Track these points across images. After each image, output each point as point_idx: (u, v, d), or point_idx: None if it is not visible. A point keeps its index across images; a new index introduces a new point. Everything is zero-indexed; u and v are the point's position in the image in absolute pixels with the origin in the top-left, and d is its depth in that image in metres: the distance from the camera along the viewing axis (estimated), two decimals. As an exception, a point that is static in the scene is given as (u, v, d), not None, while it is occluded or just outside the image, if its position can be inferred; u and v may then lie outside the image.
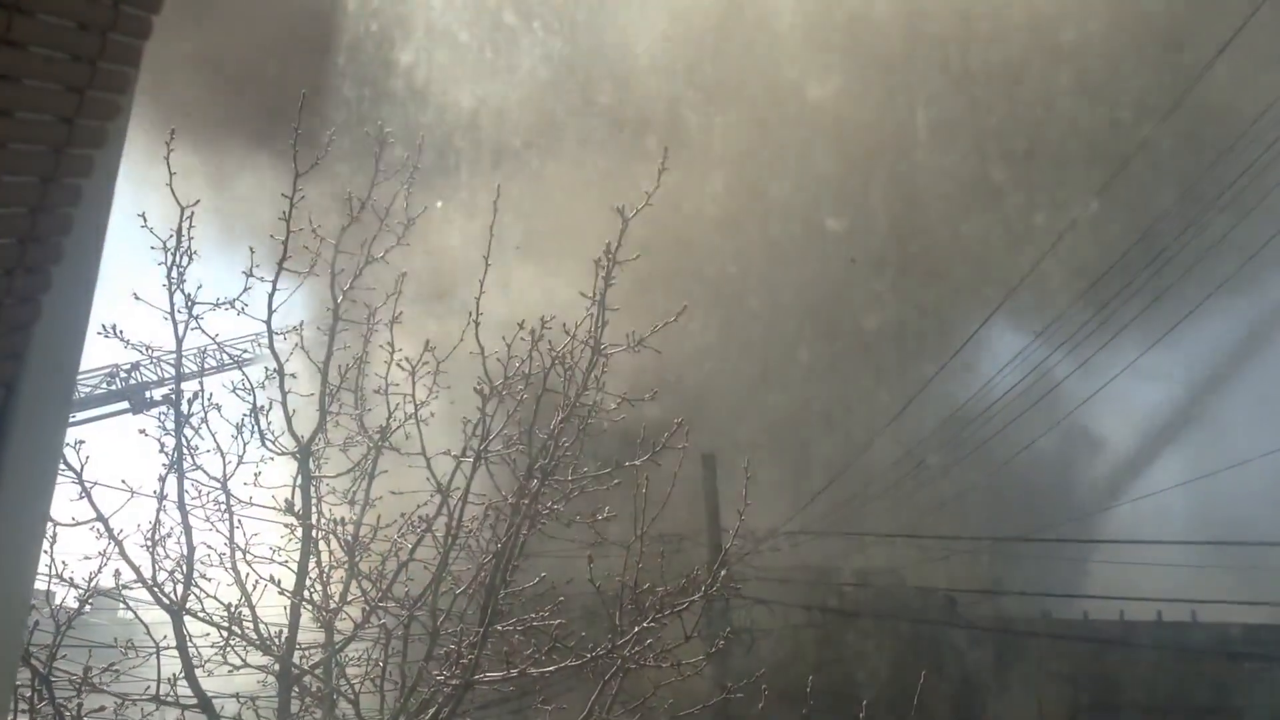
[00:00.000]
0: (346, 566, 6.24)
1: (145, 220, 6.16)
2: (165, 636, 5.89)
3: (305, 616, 6.23)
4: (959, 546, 17.33)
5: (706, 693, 6.31)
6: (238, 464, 6.28)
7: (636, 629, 5.89)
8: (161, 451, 6.15)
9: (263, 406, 6.38)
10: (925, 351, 18.23)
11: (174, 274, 6.14)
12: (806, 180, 21.05)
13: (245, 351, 6.49)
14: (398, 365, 6.37)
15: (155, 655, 5.85)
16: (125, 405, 20.74)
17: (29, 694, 5.61)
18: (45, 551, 5.96)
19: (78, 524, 5.79)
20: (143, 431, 6.29)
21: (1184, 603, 16.11)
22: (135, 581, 5.90)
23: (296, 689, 6.09)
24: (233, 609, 5.97)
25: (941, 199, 20.89)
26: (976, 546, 17.40)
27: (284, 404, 6.39)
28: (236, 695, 6.07)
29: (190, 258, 6.19)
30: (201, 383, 6.31)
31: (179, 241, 6.13)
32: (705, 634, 6.05)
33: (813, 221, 21.23)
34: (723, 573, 6.01)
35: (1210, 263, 15.00)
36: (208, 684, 5.91)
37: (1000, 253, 19.37)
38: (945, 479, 16.98)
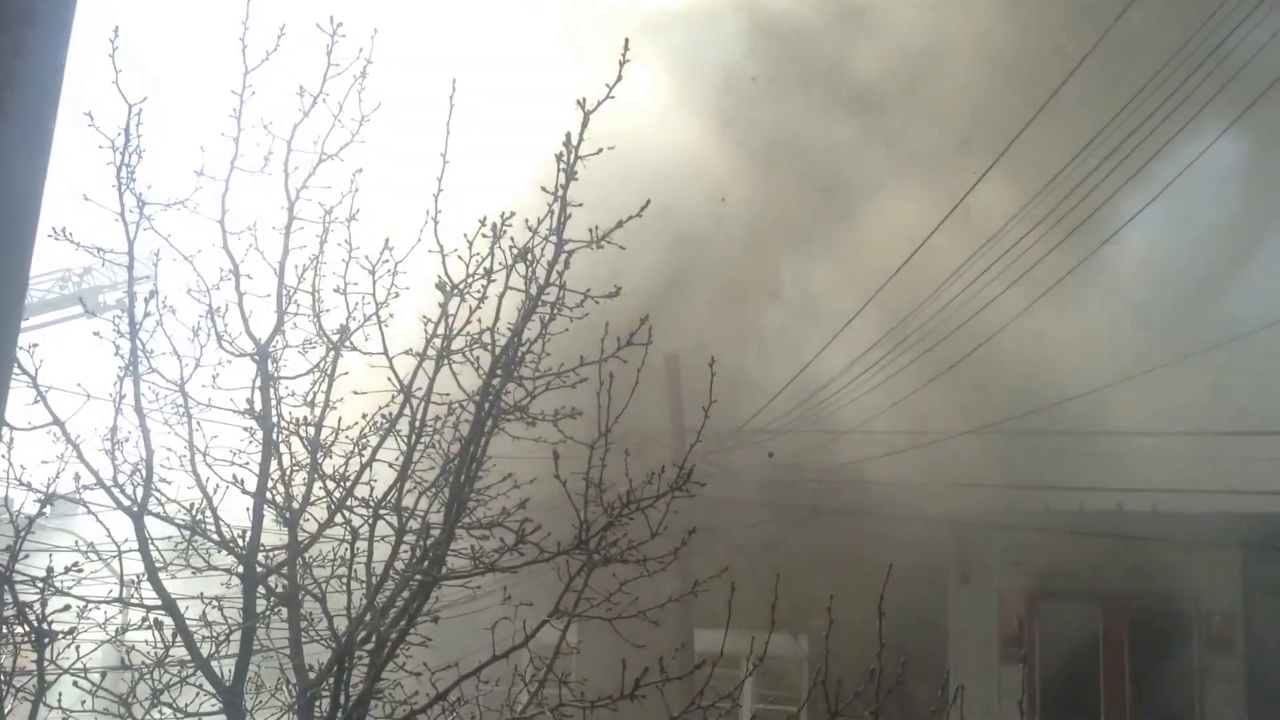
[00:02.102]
0: (309, 467, 6.22)
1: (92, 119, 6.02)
2: (126, 540, 5.86)
3: (268, 518, 6.23)
4: (920, 440, 17.54)
5: (673, 589, 6.36)
6: (195, 367, 6.22)
7: (603, 525, 5.91)
8: (117, 354, 6.07)
9: (219, 308, 6.29)
10: (896, 240, 17.95)
11: (123, 174, 6.01)
12: (779, 66, 20.60)
13: (199, 251, 6.35)
14: (356, 264, 6.26)
15: (118, 558, 5.83)
16: (78, 309, 20.50)
17: (-9, 596, 5.60)
18: (2, 456, 5.92)
19: (34, 428, 5.73)
20: (96, 334, 6.20)
21: (1144, 492, 16.45)
22: (94, 484, 5.86)
23: (262, 589, 6.10)
24: (194, 510, 5.95)
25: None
26: (938, 439, 17.63)
27: (240, 306, 6.30)
28: (200, 595, 6.08)
29: (139, 156, 6.04)
30: (155, 285, 6.19)
31: (127, 140, 5.98)
32: (670, 531, 6.06)
33: (787, 102, 20.81)
34: (688, 470, 5.99)
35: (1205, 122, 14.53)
36: (171, 586, 5.91)
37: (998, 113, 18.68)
38: (911, 370, 17.07)
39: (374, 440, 6.22)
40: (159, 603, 5.81)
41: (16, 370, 5.42)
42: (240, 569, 6.05)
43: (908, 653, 5.61)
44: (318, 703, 6.10)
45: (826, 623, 5.21)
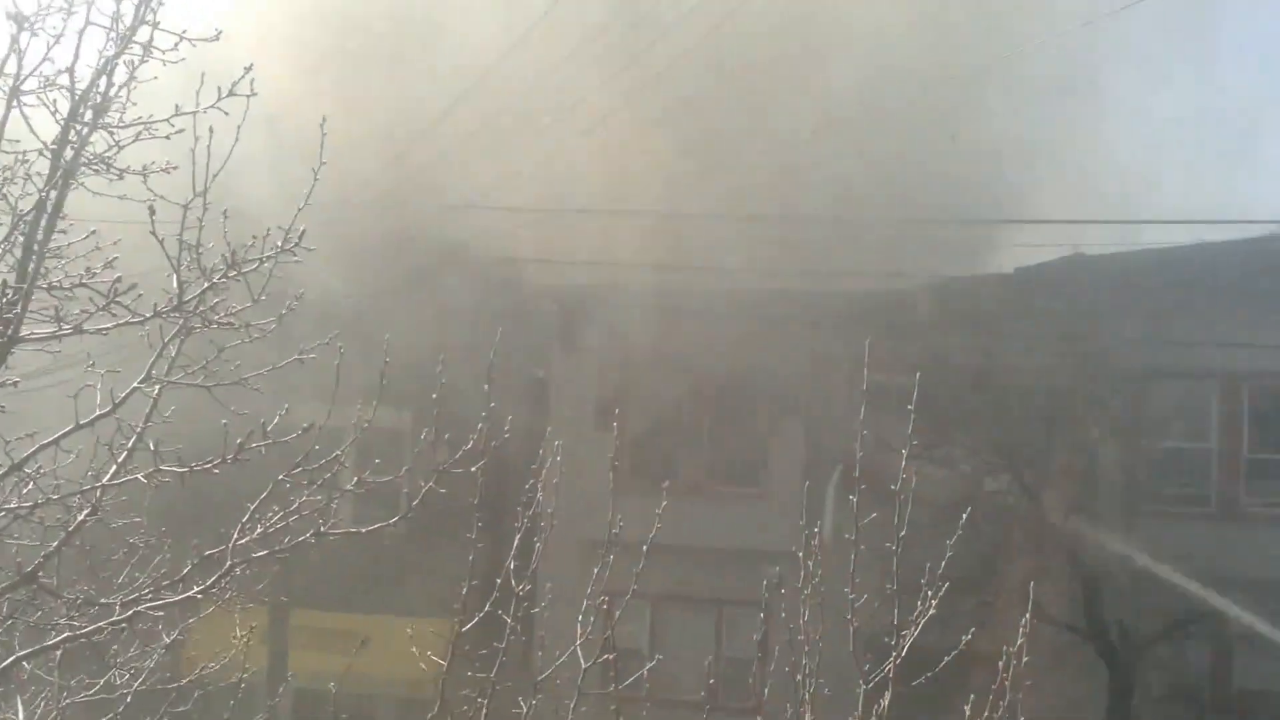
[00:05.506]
0: None
1: None
2: None
3: None
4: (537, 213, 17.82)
5: (278, 357, 6.24)
6: None
7: (202, 289, 5.63)
8: None
9: None
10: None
11: None
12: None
13: None
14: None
15: None
16: None
17: None
18: None
19: None
20: None
21: (732, 273, 17.85)
22: None
23: None
24: None
25: None
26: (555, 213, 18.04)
27: None
28: None
29: None
30: None
31: None
32: (277, 297, 5.89)
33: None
34: (300, 232, 5.79)
35: None
36: None
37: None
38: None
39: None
40: None
41: None
42: None
43: (512, 416, 5.93)
44: None
45: (436, 388, 5.36)
